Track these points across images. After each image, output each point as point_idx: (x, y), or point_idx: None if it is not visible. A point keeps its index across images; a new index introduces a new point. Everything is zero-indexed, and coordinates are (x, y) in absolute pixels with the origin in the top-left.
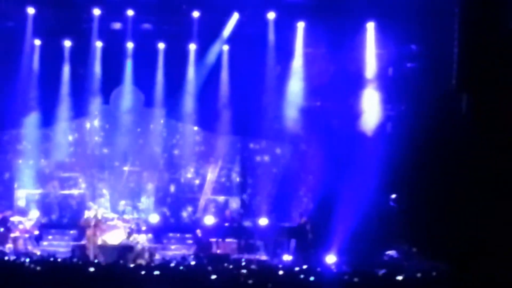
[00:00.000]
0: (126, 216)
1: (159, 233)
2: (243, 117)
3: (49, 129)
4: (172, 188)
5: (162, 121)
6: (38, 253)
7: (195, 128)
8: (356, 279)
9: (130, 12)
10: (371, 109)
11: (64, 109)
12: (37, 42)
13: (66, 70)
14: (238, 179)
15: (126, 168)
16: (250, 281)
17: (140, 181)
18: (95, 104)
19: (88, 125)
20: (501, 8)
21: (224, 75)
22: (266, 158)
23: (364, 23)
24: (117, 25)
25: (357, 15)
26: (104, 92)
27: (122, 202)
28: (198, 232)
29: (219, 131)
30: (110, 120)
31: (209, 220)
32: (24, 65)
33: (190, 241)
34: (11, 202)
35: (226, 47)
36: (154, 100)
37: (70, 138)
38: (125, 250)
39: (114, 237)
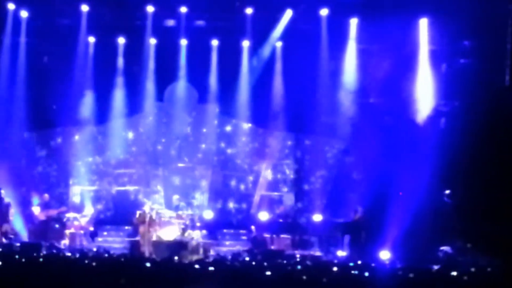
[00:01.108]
0: (180, 212)
1: (213, 229)
2: (297, 113)
3: (103, 126)
4: (226, 184)
5: (215, 118)
6: (94, 249)
7: (249, 124)
8: (410, 275)
9: (183, 9)
10: (424, 105)
11: (118, 106)
12: (91, 39)
13: (120, 67)
14: (292, 175)
15: (180, 165)
16: (304, 277)
17: (194, 178)
18: (149, 101)
19: (142, 122)
20: None
21: (278, 71)
22: (320, 154)
23: (417, 19)
24: (170, 22)
25: (410, 11)
26: (158, 89)
27: (176, 197)
28: (253, 228)
29: (273, 127)
30: (164, 117)
31: (264, 216)
32: (78, 62)
33: (244, 237)
34: (67, 198)
35: (279, 44)
36: (207, 97)
37: (125, 135)
38: (179, 246)
39: (169, 233)
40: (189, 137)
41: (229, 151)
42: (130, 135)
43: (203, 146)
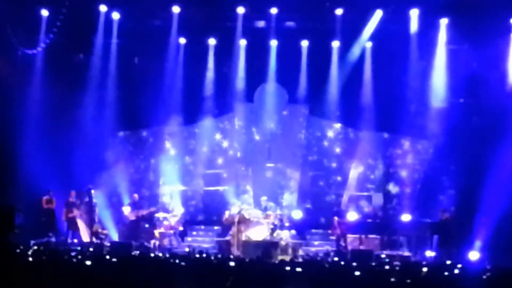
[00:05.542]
0: (269, 212)
1: (302, 229)
2: (386, 114)
3: (193, 127)
4: (315, 185)
5: (305, 118)
6: (187, 249)
7: (338, 124)
8: (498, 276)
9: (273, 10)
10: None
11: (208, 106)
12: (182, 40)
13: (210, 68)
14: (381, 175)
15: (269, 165)
16: (392, 279)
17: (283, 178)
18: (239, 101)
19: (232, 123)
20: None
21: (367, 71)
22: (409, 154)
23: (508, 19)
24: (261, 23)
25: (500, 11)
26: (248, 89)
27: (264, 198)
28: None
29: (362, 127)
30: (254, 118)
31: (352, 216)
32: (169, 63)
33: (332, 237)
34: (156, 198)
35: (369, 44)
36: (297, 97)
37: (214, 135)
38: (268, 246)
39: (258, 233)
40: (278, 137)
41: (318, 151)
42: (220, 135)
43: (292, 146)
